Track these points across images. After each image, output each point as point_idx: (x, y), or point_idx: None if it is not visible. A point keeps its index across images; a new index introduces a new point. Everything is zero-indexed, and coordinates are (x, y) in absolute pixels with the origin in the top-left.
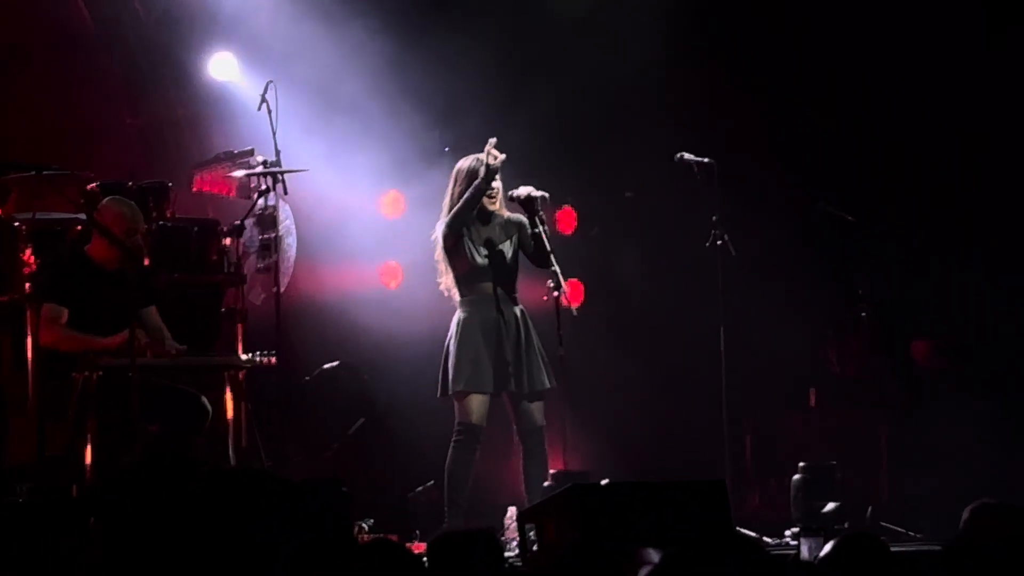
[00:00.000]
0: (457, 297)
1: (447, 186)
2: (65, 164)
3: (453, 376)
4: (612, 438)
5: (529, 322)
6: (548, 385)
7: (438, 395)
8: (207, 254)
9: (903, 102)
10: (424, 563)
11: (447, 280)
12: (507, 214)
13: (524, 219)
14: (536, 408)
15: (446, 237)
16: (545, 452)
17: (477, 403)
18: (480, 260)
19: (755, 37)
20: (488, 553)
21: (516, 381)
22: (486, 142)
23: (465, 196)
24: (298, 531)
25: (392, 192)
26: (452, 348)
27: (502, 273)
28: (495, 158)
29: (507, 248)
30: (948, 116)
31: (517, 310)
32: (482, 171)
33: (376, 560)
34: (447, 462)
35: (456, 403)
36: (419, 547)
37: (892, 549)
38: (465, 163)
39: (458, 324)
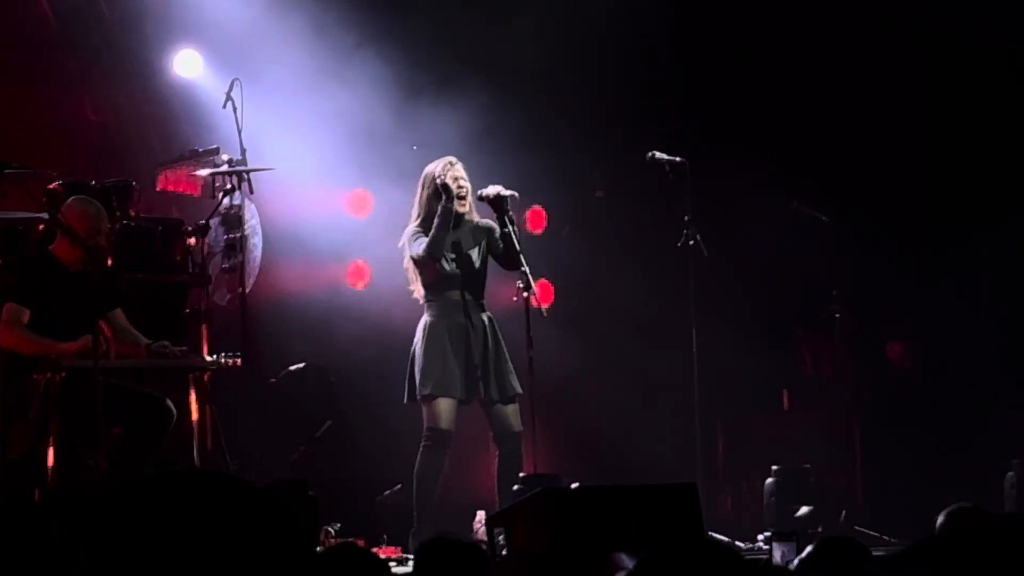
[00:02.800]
0: (425, 303)
1: (416, 189)
2: (27, 162)
3: (420, 380)
4: (582, 440)
5: (497, 328)
6: (519, 390)
7: (405, 401)
8: (171, 254)
9: (877, 100)
10: (390, 568)
11: (418, 287)
12: (476, 218)
13: (493, 224)
14: (511, 412)
15: (423, 259)
16: (521, 457)
17: (446, 408)
18: (448, 266)
19: (727, 34)
20: (479, 570)
21: (486, 387)
22: (454, 151)
23: (437, 222)
24: (260, 536)
25: (359, 191)
26: (419, 352)
27: (470, 279)
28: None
29: (475, 253)
30: (924, 117)
31: (485, 316)
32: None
33: (340, 565)
34: (416, 467)
35: (424, 408)
36: (386, 551)
37: None
38: (433, 167)
39: (425, 328)
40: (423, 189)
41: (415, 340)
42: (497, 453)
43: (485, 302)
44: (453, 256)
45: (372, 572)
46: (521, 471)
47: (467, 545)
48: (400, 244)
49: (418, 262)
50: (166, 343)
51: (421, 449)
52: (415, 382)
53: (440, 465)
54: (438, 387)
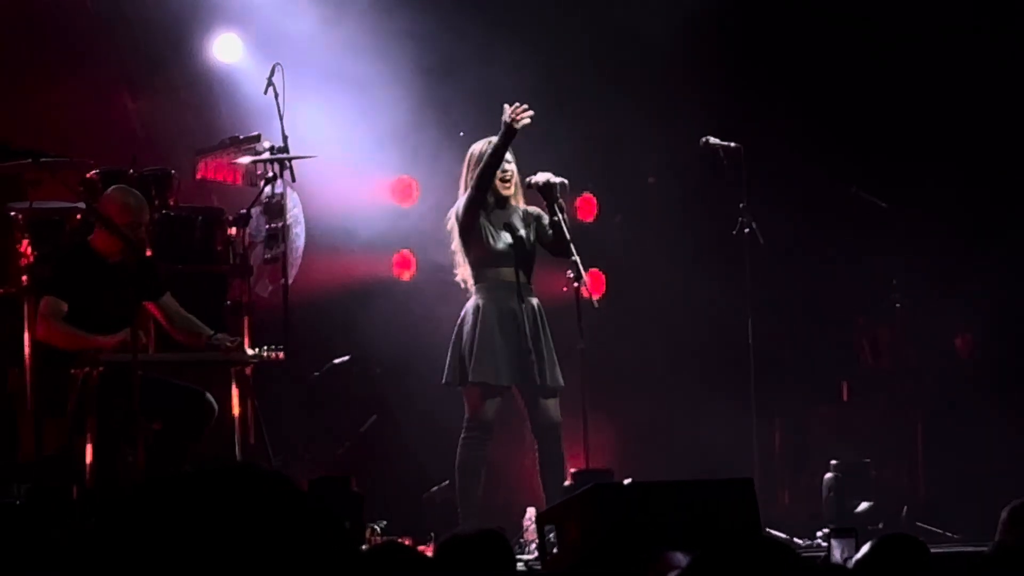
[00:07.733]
0: (473, 284)
1: (460, 172)
2: (63, 151)
3: (464, 366)
4: (635, 435)
5: (544, 315)
6: (562, 383)
7: (443, 382)
8: (212, 244)
9: (939, 81)
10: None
11: (464, 271)
12: (523, 205)
13: (542, 211)
14: (552, 404)
15: (467, 207)
16: (562, 450)
17: (490, 397)
18: (499, 245)
19: (784, 16)
20: (499, 554)
21: (533, 375)
22: (500, 127)
23: (484, 160)
24: (302, 534)
25: (405, 178)
26: (466, 336)
27: (521, 261)
28: (515, 118)
29: (526, 235)
30: (988, 94)
31: (534, 301)
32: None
33: (386, 564)
34: (457, 460)
35: (466, 395)
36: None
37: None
38: (478, 147)
39: (475, 311)
40: (468, 171)
41: (462, 321)
42: (536, 446)
43: (534, 287)
44: (503, 237)
45: (418, 571)
46: (563, 463)
47: (484, 533)
48: (448, 227)
49: (463, 227)
50: (220, 336)
51: (462, 440)
52: (457, 366)
53: (483, 456)
54: (482, 375)
